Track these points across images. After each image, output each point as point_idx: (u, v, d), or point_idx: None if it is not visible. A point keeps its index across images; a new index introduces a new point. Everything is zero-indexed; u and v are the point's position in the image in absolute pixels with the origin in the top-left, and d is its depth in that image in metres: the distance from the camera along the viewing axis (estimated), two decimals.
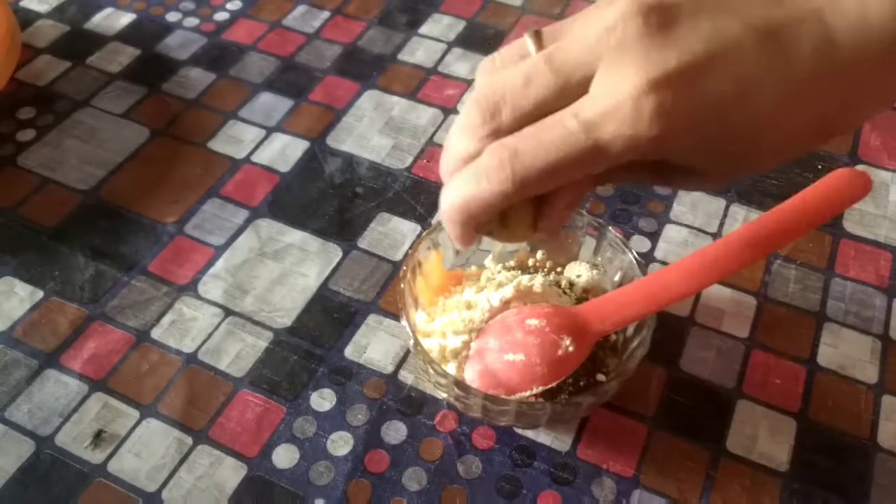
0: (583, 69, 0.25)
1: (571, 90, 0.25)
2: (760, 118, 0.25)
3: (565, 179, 0.25)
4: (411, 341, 0.34)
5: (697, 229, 0.45)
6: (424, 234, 0.38)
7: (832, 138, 0.27)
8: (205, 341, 0.40)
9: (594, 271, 0.38)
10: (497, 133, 0.26)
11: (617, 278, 0.37)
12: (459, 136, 0.27)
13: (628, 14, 0.24)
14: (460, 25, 0.58)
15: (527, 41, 0.27)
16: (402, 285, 0.36)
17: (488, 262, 0.39)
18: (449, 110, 0.52)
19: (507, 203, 0.26)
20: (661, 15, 0.24)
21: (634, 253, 0.36)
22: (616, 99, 0.24)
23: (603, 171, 0.26)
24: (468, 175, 0.26)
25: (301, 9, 0.59)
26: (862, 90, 0.26)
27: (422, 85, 0.54)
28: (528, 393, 0.32)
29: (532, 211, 0.29)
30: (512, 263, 0.39)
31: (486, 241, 0.39)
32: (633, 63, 0.24)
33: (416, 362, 0.38)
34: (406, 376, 0.39)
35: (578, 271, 0.38)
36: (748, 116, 0.25)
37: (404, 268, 0.36)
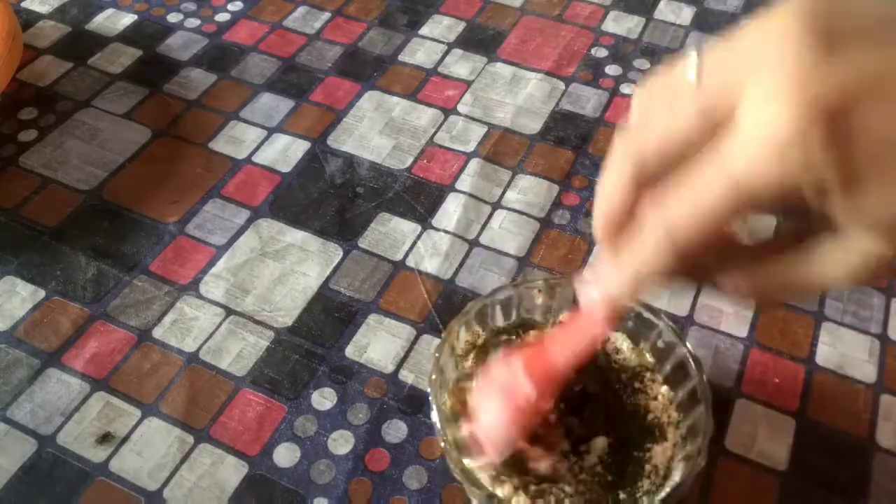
0: (730, 96, 0.21)
1: (719, 122, 0.22)
2: None
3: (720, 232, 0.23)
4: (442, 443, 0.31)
5: None
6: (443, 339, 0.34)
7: None
8: (206, 341, 0.40)
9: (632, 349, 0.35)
10: (646, 184, 0.24)
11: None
12: (611, 193, 0.25)
13: (789, 30, 0.20)
14: (460, 27, 0.58)
15: (687, 72, 0.23)
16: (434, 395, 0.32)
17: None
18: (449, 111, 0.52)
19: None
20: (829, 33, 0.20)
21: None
22: (773, 136, 0.20)
23: None
24: (637, 260, 0.25)
25: (302, 10, 0.60)
26: None
27: (422, 86, 0.54)
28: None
29: None
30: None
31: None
32: (793, 88, 0.19)
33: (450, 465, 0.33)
34: (406, 375, 0.39)
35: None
36: None
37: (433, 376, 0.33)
